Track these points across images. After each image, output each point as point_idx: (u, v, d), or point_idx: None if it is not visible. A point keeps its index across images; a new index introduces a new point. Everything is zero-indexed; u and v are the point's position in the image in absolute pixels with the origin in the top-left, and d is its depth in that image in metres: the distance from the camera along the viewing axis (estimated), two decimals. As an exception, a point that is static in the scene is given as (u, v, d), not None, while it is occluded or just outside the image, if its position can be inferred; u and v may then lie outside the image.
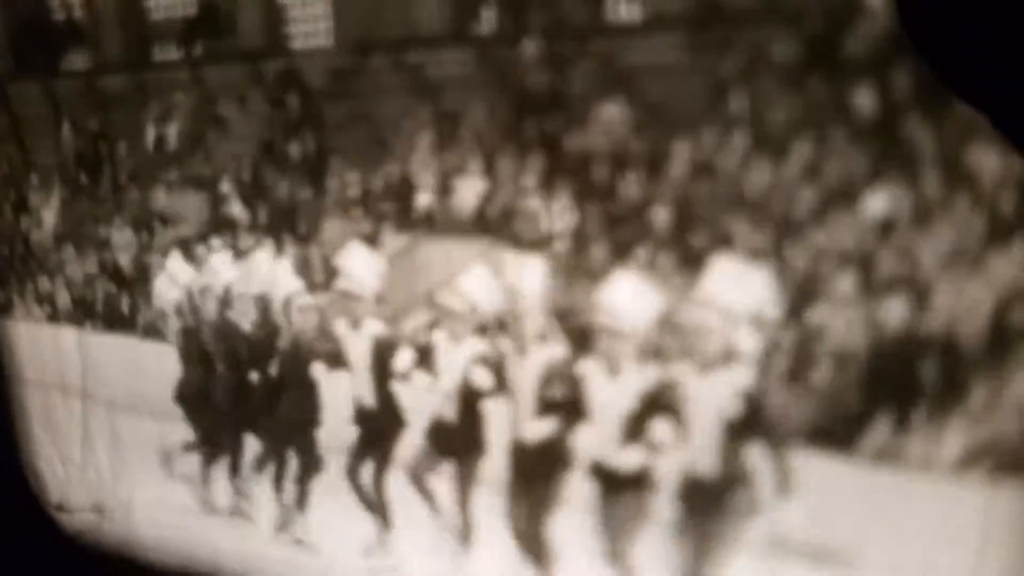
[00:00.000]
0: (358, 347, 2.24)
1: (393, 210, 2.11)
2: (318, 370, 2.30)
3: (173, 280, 2.46)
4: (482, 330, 2.03)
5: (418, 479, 2.19)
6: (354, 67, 2.10)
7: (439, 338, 2.09)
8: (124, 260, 2.63)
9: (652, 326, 1.82)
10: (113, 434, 2.78)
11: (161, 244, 2.51)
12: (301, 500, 2.39)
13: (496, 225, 1.98)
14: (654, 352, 1.84)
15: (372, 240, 2.16)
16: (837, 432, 1.67)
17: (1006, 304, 1.50)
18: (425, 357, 2.11)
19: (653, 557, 1.90)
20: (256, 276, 2.34)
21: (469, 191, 2.01)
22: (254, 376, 2.39)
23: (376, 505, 2.28)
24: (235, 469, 2.49)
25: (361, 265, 2.18)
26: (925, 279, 1.56)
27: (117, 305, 2.68)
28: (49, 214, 2.75)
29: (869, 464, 1.65)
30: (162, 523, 2.71)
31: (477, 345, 2.04)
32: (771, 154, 1.66)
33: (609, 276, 1.85)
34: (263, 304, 2.35)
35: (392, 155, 2.08)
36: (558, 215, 1.89)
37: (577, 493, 1.97)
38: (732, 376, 1.76)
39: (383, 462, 2.25)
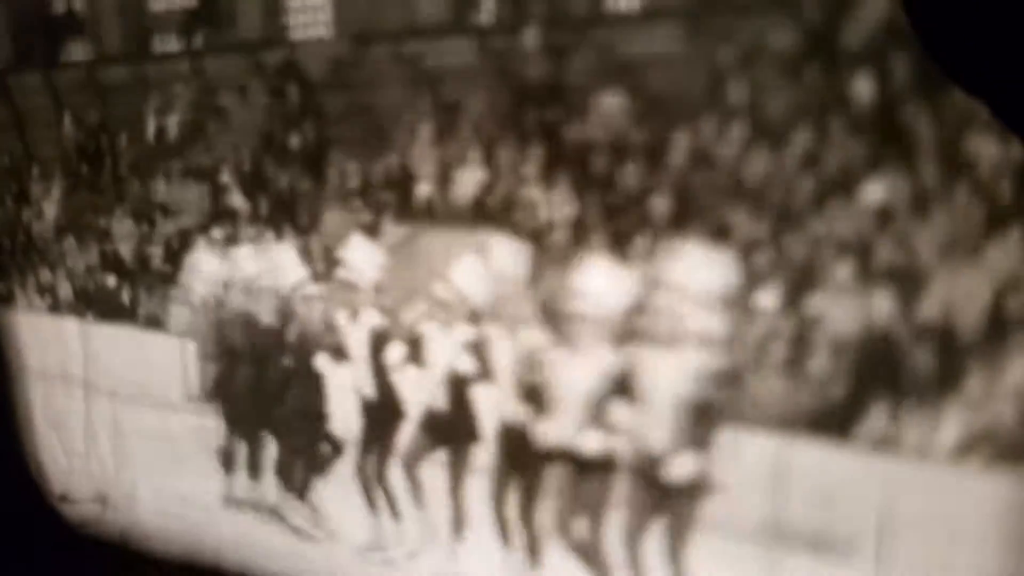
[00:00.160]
0: (357, 338, 2.25)
1: (393, 201, 2.11)
2: (323, 362, 2.31)
3: (201, 274, 2.45)
4: (473, 319, 2.04)
5: (410, 469, 2.21)
6: (354, 58, 2.10)
7: (431, 328, 2.11)
8: (125, 251, 2.63)
9: (622, 310, 1.86)
10: (115, 424, 2.79)
11: (183, 238, 2.51)
12: (304, 491, 2.39)
13: (496, 215, 1.98)
14: (621, 335, 1.87)
15: (372, 231, 2.16)
16: (834, 420, 1.67)
17: (1003, 292, 1.51)
18: (418, 348, 2.13)
19: (619, 539, 1.94)
20: (276, 268, 2.33)
21: (469, 181, 2.01)
22: (274, 370, 2.39)
23: (382, 497, 2.30)
24: (255, 467, 2.49)
25: (361, 256, 2.19)
26: (923, 267, 1.56)
27: (118, 295, 2.68)
28: (50, 205, 2.75)
29: (867, 452, 1.65)
30: (165, 513, 2.72)
31: (467, 333, 2.06)
32: (770, 143, 1.66)
33: (583, 261, 1.89)
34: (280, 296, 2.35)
35: (392, 146, 2.08)
36: (558, 205, 1.90)
37: (552, 479, 2.01)
38: (691, 358, 1.79)
39: (385, 454, 2.27)
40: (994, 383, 1.54)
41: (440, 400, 2.14)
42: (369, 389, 2.25)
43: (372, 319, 2.22)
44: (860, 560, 1.69)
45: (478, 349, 2.06)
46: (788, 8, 1.61)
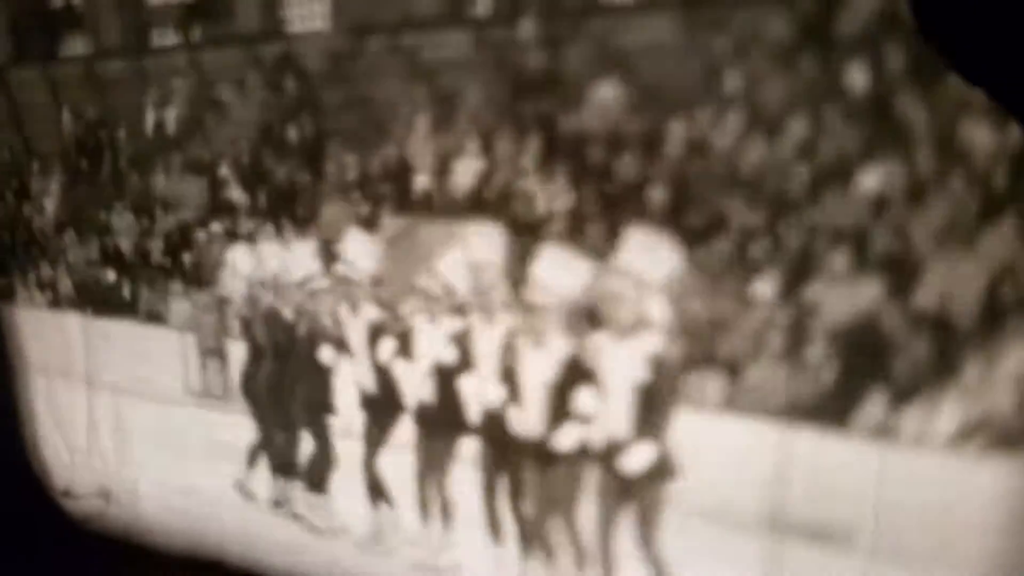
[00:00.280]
0: (357, 332, 2.25)
1: (391, 193, 2.12)
2: (327, 355, 2.31)
3: (237, 272, 2.44)
4: (458, 310, 2.07)
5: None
6: (351, 50, 2.10)
7: (421, 321, 2.13)
8: (125, 245, 2.64)
9: (578, 297, 1.91)
10: (118, 419, 2.79)
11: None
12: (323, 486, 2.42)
13: (494, 207, 1.98)
14: (577, 322, 1.92)
15: (370, 223, 2.16)
16: (831, 409, 1.68)
17: (999, 280, 1.51)
18: (408, 341, 2.16)
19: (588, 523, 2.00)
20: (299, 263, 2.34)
21: (467, 173, 2.01)
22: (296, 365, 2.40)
23: (380, 490, 2.30)
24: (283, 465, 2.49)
25: (358, 249, 2.19)
26: (918, 255, 1.56)
27: (119, 290, 2.69)
28: (50, 200, 2.76)
29: (864, 441, 1.66)
30: (168, 507, 2.73)
31: (453, 324, 2.09)
32: (766, 133, 1.66)
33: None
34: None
35: (390, 138, 2.09)
36: (555, 196, 1.90)
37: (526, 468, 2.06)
38: (643, 343, 1.84)
39: (383, 446, 2.27)
40: (991, 370, 1.54)
41: (429, 392, 2.16)
42: (369, 383, 2.26)
43: (369, 312, 2.22)
44: (858, 549, 1.70)
45: (462, 340, 2.09)
46: (783, -3, 1.61)
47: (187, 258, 2.53)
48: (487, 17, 1.91)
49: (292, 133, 2.24)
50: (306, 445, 2.42)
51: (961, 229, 1.52)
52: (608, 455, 1.93)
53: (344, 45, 2.11)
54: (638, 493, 1.91)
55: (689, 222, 1.76)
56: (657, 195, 1.79)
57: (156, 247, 2.58)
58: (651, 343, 1.84)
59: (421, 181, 2.08)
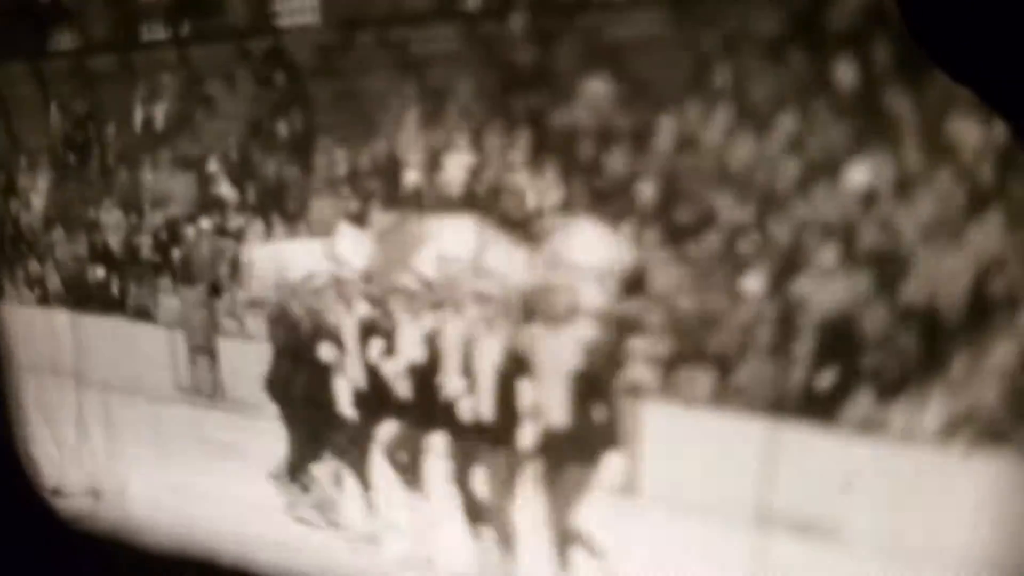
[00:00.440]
0: (350, 328, 2.25)
1: (380, 188, 2.11)
2: (327, 351, 2.31)
3: (266, 270, 2.42)
4: (432, 305, 2.10)
5: (391, 457, 2.26)
6: (341, 44, 2.09)
7: (404, 318, 2.15)
8: (114, 242, 2.63)
9: (519, 288, 1.97)
10: (107, 416, 2.78)
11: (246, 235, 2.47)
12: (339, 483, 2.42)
13: (484, 202, 1.98)
14: (516, 312, 1.97)
15: (360, 218, 2.16)
16: (820, 403, 1.68)
17: (985, 274, 1.52)
18: (392, 337, 2.18)
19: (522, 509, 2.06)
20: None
21: (457, 168, 2.01)
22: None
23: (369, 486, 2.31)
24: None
25: (349, 246, 2.19)
26: (906, 249, 1.57)
27: (108, 287, 2.68)
28: (38, 196, 2.74)
29: (852, 435, 1.66)
30: (157, 505, 2.72)
31: (426, 319, 2.13)
32: (755, 127, 1.66)
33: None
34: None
35: (379, 132, 2.08)
36: (545, 191, 1.90)
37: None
38: (578, 331, 1.89)
39: (372, 443, 2.28)
40: (977, 365, 1.55)
41: (406, 388, 2.19)
42: (361, 380, 2.26)
43: (360, 309, 2.22)
44: (845, 542, 1.70)
45: (434, 334, 2.12)
46: (772, -8, 1.62)
47: (176, 254, 2.52)
48: (477, 11, 1.91)
49: (282, 128, 2.24)
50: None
51: (948, 224, 1.53)
52: (545, 440, 1.99)
53: (334, 39, 2.10)
54: (568, 475, 1.97)
55: (678, 217, 1.76)
56: (646, 190, 1.79)
57: (145, 243, 2.57)
58: (585, 331, 1.88)
59: (411, 176, 2.07)
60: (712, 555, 1.84)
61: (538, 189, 1.90)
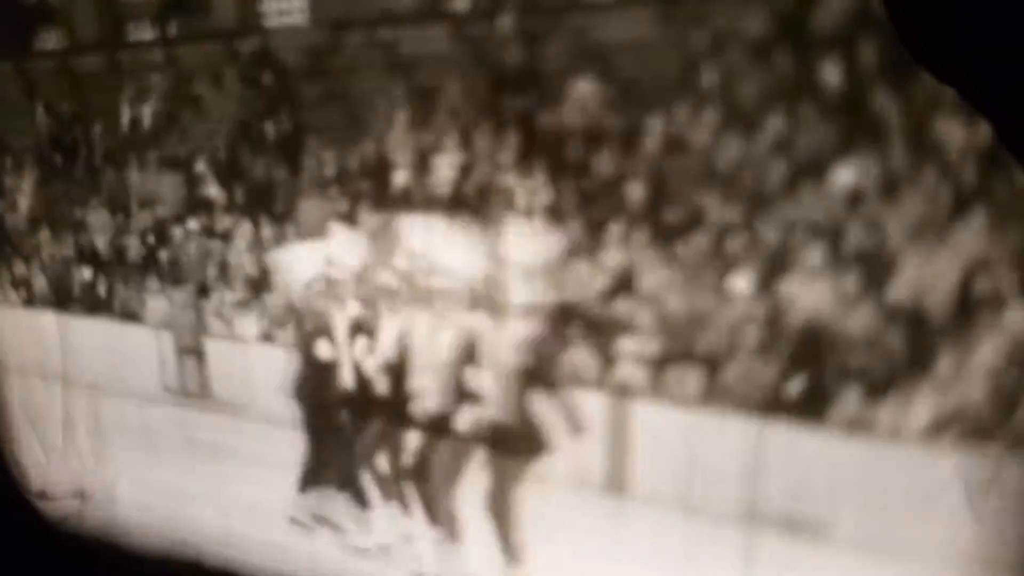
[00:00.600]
0: (342, 328, 2.25)
1: (369, 188, 2.11)
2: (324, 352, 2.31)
3: (294, 274, 2.39)
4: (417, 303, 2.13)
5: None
6: (329, 45, 2.09)
7: (387, 317, 2.17)
8: (101, 243, 2.61)
9: (471, 282, 2.02)
10: (94, 418, 2.77)
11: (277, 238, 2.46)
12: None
13: (473, 202, 1.98)
14: (463, 306, 2.03)
15: (349, 219, 2.16)
16: (807, 402, 1.69)
17: (971, 273, 1.53)
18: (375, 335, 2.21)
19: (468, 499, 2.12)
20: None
21: (446, 168, 2.01)
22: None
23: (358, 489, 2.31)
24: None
25: (342, 246, 2.19)
26: (893, 249, 1.58)
27: (94, 288, 2.66)
28: (23, 197, 2.73)
29: (840, 434, 1.67)
30: (145, 507, 2.71)
31: (397, 315, 2.16)
32: (742, 128, 1.67)
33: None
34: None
35: (368, 133, 2.08)
36: (534, 191, 1.90)
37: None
38: (519, 326, 1.95)
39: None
40: (963, 363, 1.56)
41: (383, 386, 2.22)
42: (349, 380, 2.26)
43: (351, 309, 2.22)
44: (834, 540, 1.71)
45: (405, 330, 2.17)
46: (759, -7, 1.62)
47: (163, 255, 2.51)
48: (466, 12, 1.91)
49: (269, 129, 2.23)
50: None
51: (934, 223, 1.54)
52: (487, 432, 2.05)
53: (322, 40, 2.10)
54: (506, 466, 2.03)
55: (666, 217, 1.77)
56: (635, 191, 1.80)
57: (132, 244, 2.55)
58: (526, 327, 1.94)
59: (399, 176, 2.07)
60: (700, 554, 1.84)
61: (526, 189, 1.91)
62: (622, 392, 1.88)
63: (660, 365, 1.83)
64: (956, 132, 1.49)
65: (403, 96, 2.02)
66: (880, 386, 1.63)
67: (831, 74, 1.58)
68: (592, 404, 1.93)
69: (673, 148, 1.74)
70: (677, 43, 1.69)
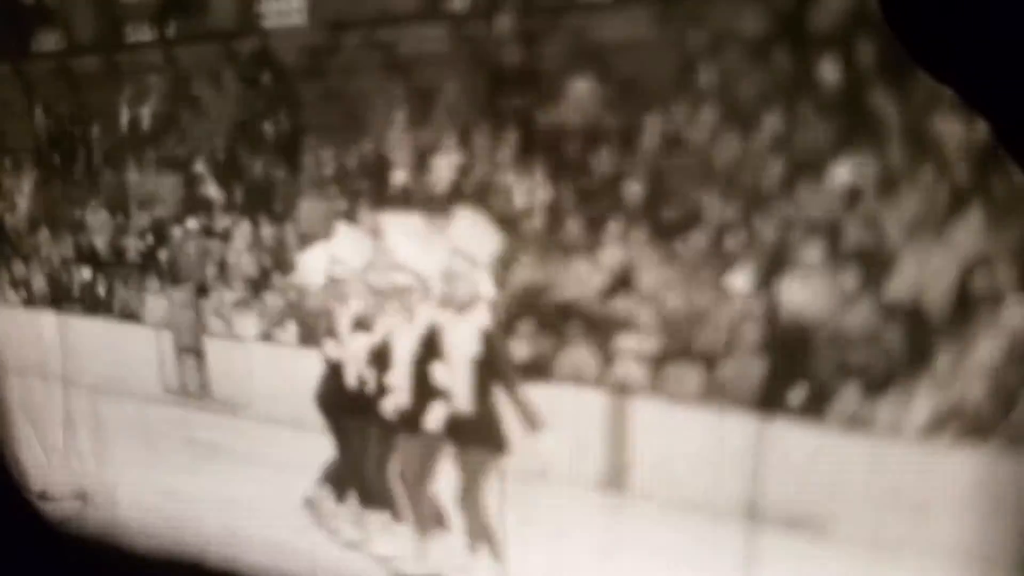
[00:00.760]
0: (345, 328, 2.26)
1: (368, 187, 2.11)
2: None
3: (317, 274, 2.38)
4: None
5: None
6: (328, 45, 2.09)
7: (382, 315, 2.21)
8: (100, 243, 2.62)
9: (431, 277, 2.08)
10: (95, 419, 2.77)
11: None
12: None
13: (472, 201, 1.98)
14: (425, 301, 2.09)
15: (348, 218, 2.16)
16: (806, 400, 1.69)
17: (969, 271, 1.53)
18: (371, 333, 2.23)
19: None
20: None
21: (445, 167, 2.01)
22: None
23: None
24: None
25: (349, 247, 2.19)
26: (891, 247, 1.58)
27: (94, 288, 2.67)
28: (23, 198, 2.73)
29: (839, 431, 1.67)
30: (146, 508, 2.71)
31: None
32: (740, 127, 1.67)
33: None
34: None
35: (367, 132, 2.08)
36: (532, 190, 1.91)
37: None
38: (476, 319, 2.00)
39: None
40: (962, 360, 1.56)
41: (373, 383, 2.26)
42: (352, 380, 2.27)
43: (354, 307, 2.23)
44: (834, 538, 1.72)
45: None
46: (757, -8, 1.63)
47: (163, 255, 2.51)
48: (464, 11, 1.91)
49: (268, 129, 2.23)
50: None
51: (932, 221, 1.54)
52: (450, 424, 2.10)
53: (320, 40, 2.10)
54: (470, 461, 2.08)
55: (665, 215, 1.77)
56: (633, 189, 1.80)
57: (131, 244, 2.55)
58: (483, 318, 1.98)
59: (398, 176, 2.08)
60: (701, 551, 1.85)
61: (525, 188, 1.91)
62: (621, 390, 1.89)
63: (659, 363, 1.83)
64: (954, 131, 1.50)
65: (402, 95, 2.03)
66: (879, 383, 1.63)
67: (829, 73, 1.58)
68: (591, 402, 1.94)
69: (671, 147, 1.75)
70: (675, 42, 1.70)
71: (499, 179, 1.94)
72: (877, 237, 1.59)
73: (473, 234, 1.97)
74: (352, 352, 2.24)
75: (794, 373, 1.70)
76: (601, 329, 1.89)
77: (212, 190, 2.37)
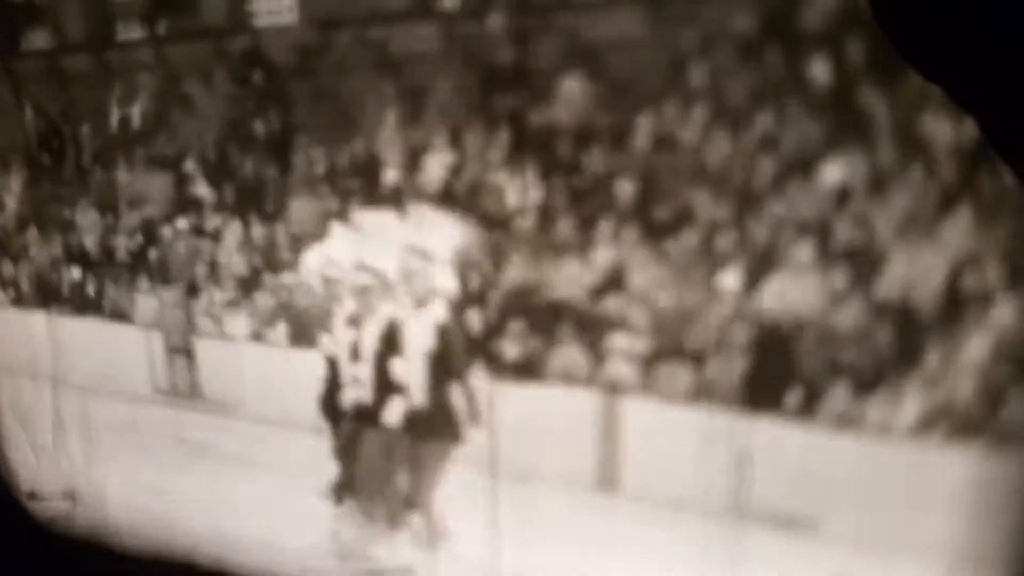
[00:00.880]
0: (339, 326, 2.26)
1: (360, 186, 2.11)
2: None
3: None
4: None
5: None
6: (319, 44, 2.09)
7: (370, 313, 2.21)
8: (90, 242, 2.60)
9: (391, 273, 2.11)
10: (85, 419, 2.76)
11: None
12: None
13: (463, 200, 1.98)
14: (390, 295, 2.12)
15: (340, 217, 2.16)
16: (796, 398, 1.70)
17: (959, 269, 1.54)
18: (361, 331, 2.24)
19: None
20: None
21: (436, 167, 2.01)
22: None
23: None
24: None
25: (342, 247, 2.19)
26: (881, 246, 1.59)
27: (84, 288, 2.65)
28: (11, 197, 2.71)
29: (829, 430, 1.68)
30: (136, 507, 2.70)
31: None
32: (731, 126, 1.68)
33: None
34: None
35: (358, 131, 2.08)
36: (524, 190, 1.91)
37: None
38: (433, 314, 2.03)
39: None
40: (951, 359, 1.57)
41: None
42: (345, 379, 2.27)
43: (348, 306, 2.23)
44: (825, 537, 1.72)
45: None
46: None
47: (153, 254, 2.50)
48: (456, 10, 1.91)
49: (259, 127, 2.23)
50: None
51: (921, 220, 1.55)
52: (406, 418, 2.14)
53: (311, 39, 2.10)
54: (423, 453, 2.11)
55: (656, 215, 1.78)
56: (625, 188, 1.80)
57: (121, 244, 2.54)
58: (439, 313, 2.02)
59: (389, 175, 2.07)
60: (691, 550, 1.85)
61: (517, 187, 1.91)
62: (612, 389, 1.89)
63: (650, 362, 1.83)
64: (943, 129, 1.50)
65: (393, 94, 2.02)
66: (869, 382, 1.64)
67: (819, 71, 1.59)
68: (583, 401, 1.94)
69: (663, 146, 1.75)
70: (667, 41, 1.70)
71: (491, 178, 1.94)
72: (867, 236, 1.59)
73: (430, 230, 1.99)
74: (339, 350, 2.25)
75: (784, 372, 1.70)
76: (592, 329, 1.89)
77: (202, 189, 2.37)
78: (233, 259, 2.36)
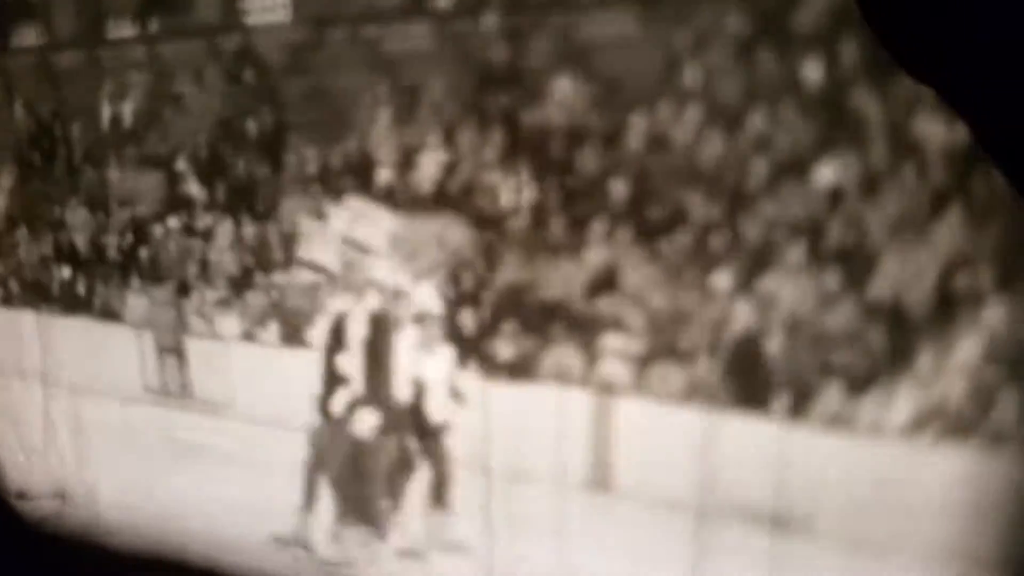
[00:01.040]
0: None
1: (352, 186, 2.10)
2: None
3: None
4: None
5: None
6: (312, 42, 2.08)
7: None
8: (80, 241, 2.59)
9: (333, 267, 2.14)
10: (75, 418, 2.74)
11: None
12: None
13: (457, 200, 1.98)
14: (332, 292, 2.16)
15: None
16: (789, 398, 1.70)
17: (950, 270, 1.54)
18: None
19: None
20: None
21: (429, 166, 2.01)
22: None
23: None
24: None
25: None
26: (873, 247, 1.59)
27: (74, 287, 2.64)
28: (1, 195, 2.70)
29: (821, 429, 1.68)
30: (127, 507, 2.69)
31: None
32: (724, 126, 1.68)
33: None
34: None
35: (351, 130, 2.07)
36: (518, 189, 1.90)
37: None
38: (367, 304, 2.08)
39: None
40: (943, 359, 1.57)
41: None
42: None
43: (338, 304, 2.22)
44: (817, 536, 1.72)
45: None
46: (741, -8, 1.63)
47: (144, 253, 2.49)
48: (450, 9, 1.91)
49: (251, 126, 2.22)
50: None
51: (914, 221, 1.55)
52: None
53: (304, 37, 2.09)
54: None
55: (649, 215, 1.78)
56: (618, 188, 1.80)
57: (111, 243, 2.53)
58: (374, 303, 2.06)
59: (382, 174, 2.07)
60: (684, 550, 1.85)
61: (511, 187, 1.91)
62: (605, 389, 1.89)
63: (643, 362, 1.83)
64: (936, 131, 1.51)
65: (386, 93, 2.02)
66: (861, 382, 1.64)
67: (812, 72, 1.59)
68: (576, 401, 1.94)
69: (656, 146, 1.75)
70: (660, 41, 1.70)
71: (485, 178, 1.94)
72: (859, 237, 1.60)
73: (361, 222, 2.02)
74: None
75: (776, 373, 1.70)
76: (585, 328, 1.89)
77: (194, 188, 2.36)
78: (224, 258, 2.35)
